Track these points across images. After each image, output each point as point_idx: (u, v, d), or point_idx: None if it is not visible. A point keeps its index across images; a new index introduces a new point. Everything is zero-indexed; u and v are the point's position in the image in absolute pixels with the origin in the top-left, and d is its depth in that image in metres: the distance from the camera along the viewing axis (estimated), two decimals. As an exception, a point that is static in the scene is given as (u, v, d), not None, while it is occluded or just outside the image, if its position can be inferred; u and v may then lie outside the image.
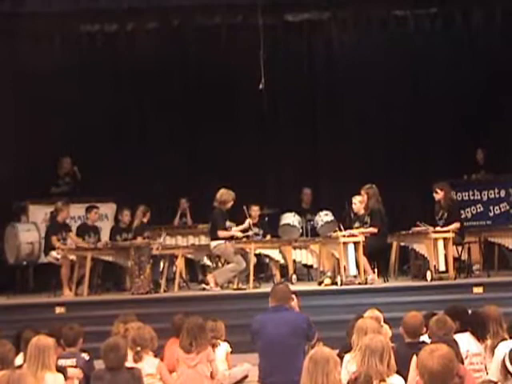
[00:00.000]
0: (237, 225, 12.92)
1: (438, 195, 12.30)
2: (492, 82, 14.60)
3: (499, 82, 14.53)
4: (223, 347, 8.51)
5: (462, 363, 6.04)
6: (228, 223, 12.81)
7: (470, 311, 7.47)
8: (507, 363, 5.25)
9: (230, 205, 12.48)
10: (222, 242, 12.27)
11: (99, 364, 6.73)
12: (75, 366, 7.03)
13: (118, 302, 11.49)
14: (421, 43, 14.95)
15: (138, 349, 6.91)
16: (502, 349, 6.48)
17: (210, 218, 12.53)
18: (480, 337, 6.97)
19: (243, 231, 12.66)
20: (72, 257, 12.34)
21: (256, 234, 13.27)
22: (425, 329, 6.81)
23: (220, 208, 12.43)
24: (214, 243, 12.35)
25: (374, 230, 12.07)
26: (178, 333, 7.97)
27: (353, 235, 11.81)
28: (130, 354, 6.81)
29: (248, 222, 12.73)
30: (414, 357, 5.81)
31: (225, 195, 12.43)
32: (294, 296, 8.21)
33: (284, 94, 15.19)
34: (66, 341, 7.40)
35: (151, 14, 14.84)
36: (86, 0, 13.47)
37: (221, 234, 12.35)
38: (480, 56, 14.70)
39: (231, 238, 12.47)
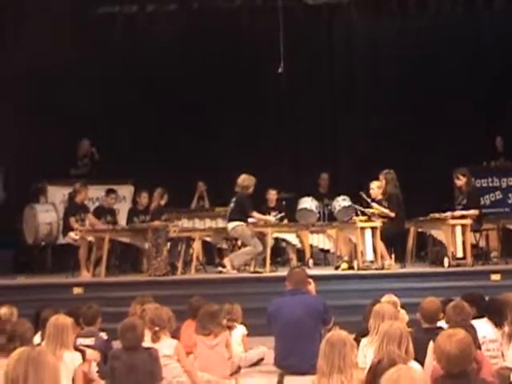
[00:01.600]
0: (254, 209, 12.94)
1: (460, 181, 12.22)
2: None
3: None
4: (239, 330, 8.54)
5: (480, 349, 6.03)
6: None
7: (487, 298, 7.45)
8: None
9: (251, 190, 12.49)
10: (240, 223, 12.25)
11: (117, 345, 6.78)
12: (93, 345, 7.08)
13: (135, 284, 11.52)
14: (441, 26, 14.81)
15: (156, 329, 6.93)
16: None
17: (234, 201, 12.48)
18: (497, 323, 6.94)
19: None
20: (90, 238, 12.37)
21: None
22: (442, 314, 6.80)
23: (244, 193, 12.43)
24: (231, 225, 12.33)
25: (390, 213, 12.02)
26: (195, 315, 8.02)
27: (370, 220, 11.78)
28: (148, 335, 6.84)
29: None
30: (431, 342, 5.81)
31: (247, 180, 12.44)
32: (310, 280, 8.23)
33: (303, 78, 15.14)
34: (85, 320, 7.48)
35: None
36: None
37: (255, 215, 12.35)
38: (502, 40, 14.56)
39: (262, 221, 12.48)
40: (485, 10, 14.71)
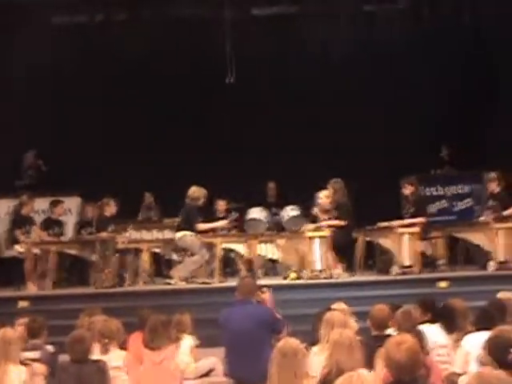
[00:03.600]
0: (203, 219, 12.90)
1: (407, 190, 12.36)
2: (459, 79, 14.72)
3: (466, 79, 14.66)
4: (188, 340, 8.47)
5: (428, 354, 6.07)
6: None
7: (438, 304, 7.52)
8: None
9: (201, 201, 12.44)
10: (188, 233, 12.20)
11: (65, 358, 6.68)
12: (39, 359, 6.98)
13: (83, 296, 11.41)
14: (389, 39, 14.94)
15: (106, 341, 6.86)
16: (468, 342, 6.55)
17: (182, 212, 12.44)
18: (449, 329, 7.02)
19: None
20: (36, 250, 12.22)
21: (222, 229, 13.24)
22: (391, 322, 6.84)
23: (192, 204, 12.38)
24: (179, 234, 12.25)
25: (341, 222, 12.08)
26: (143, 326, 7.94)
27: (319, 229, 11.82)
28: (97, 347, 6.76)
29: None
30: (380, 349, 5.84)
31: (197, 192, 12.39)
32: (266, 289, 8.23)
33: (252, 88, 15.12)
34: (30, 333, 7.37)
35: (122, 5, 14.72)
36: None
37: (200, 226, 12.28)
38: (446, 52, 14.75)
39: (210, 230, 12.44)
40: (433, 24, 14.86)
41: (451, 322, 7.10)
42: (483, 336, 6.27)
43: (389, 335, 6.37)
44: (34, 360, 6.91)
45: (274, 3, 15.04)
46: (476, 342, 6.41)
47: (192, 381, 8.22)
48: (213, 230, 12.60)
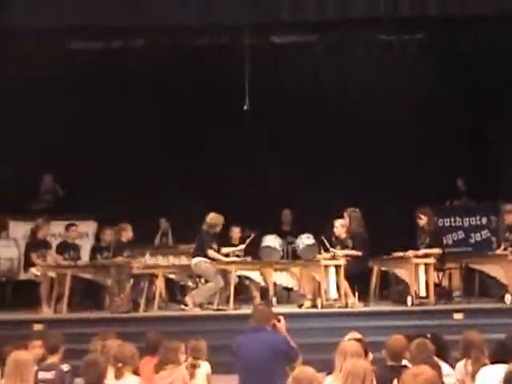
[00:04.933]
0: (218, 246, 12.92)
1: (422, 221, 12.34)
2: (475, 109, 14.72)
3: (482, 109, 14.66)
4: (204, 368, 8.43)
5: (444, 387, 6.03)
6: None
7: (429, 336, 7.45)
8: None
9: (218, 228, 12.49)
10: (203, 259, 12.21)
11: (79, 382, 6.68)
12: (53, 379, 6.99)
13: (97, 321, 11.41)
14: (407, 68, 14.97)
15: (120, 365, 6.84)
16: (483, 374, 6.50)
17: (197, 238, 12.48)
18: (444, 360, 6.99)
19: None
20: (51, 274, 12.26)
21: (237, 256, 13.25)
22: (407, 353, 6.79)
23: (208, 230, 12.40)
24: (194, 260, 12.30)
25: (357, 253, 12.06)
26: (152, 351, 7.95)
27: (334, 258, 11.80)
28: (111, 372, 6.74)
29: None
30: (395, 380, 5.80)
31: (215, 219, 12.43)
32: (281, 317, 8.19)
33: (269, 116, 15.17)
34: (48, 348, 7.42)
35: (138, 32, 14.82)
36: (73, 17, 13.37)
37: (210, 253, 12.29)
38: (463, 83, 14.76)
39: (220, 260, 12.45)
40: (449, 54, 14.86)
41: (444, 354, 7.08)
42: (499, 369, 6.24)
43: (405, 366, 6.33)
44: (49, 381, 6.93)
45: (293, 31, 15.09)
46: (492, 375, 6.37)
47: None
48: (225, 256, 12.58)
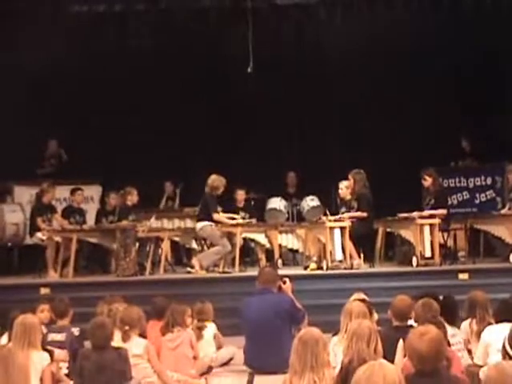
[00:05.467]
0: (223, 211, 12.94)
1: (427, 182, 12.31)
2: (478, 69, 14.63)
3: (485, 69, 14.56)
4: (211, 329, 8.49)
5: (449, 345, 6.05)
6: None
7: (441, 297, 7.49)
8: (507, 347, 5.26)
9: (220, 191, 12.46)
10: (208, 223, 12.23)
11: (86, 345, 6.73)
12: (64, 342, 7.05)
13: (104, 284, 11.46)
14: (409, 24, 14.80)
15: (127, 328, 6.89)
16: (488, 333, 6.54)
17: (201, 201, 12.50)
18: (450, 321, 7.01)
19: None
20: (57, 238, 12.27)
21: (242, 219, 13.27)
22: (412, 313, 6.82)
23: (211, 193, 12.40)
24: (199, 225, 12.31)
25: (363, 214, 12.07)
26: (159, 315, 8.01)
27: (339, 220, 11.81)
28: (118, 335, 6.79)
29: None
30: (401, 340, 5.83)
31: (217, 181, 12.41)
32: (287, 280, 8.23)
33: (272, 78, 15.10)
34: (56, 313, 7.50)
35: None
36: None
37: (215, 216, 12.30)
38: (467, 41, 14.64)
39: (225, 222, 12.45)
40: (452, 9, 14.71)
41: (452, 315, 7.11)
42: (504, 328, 6.27)
43: (410, 326, 6.36)
44: (58, 343, 6.98)
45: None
46: (496, 333, 6.40)
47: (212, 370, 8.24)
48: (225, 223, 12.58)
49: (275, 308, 7.97)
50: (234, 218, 12.78)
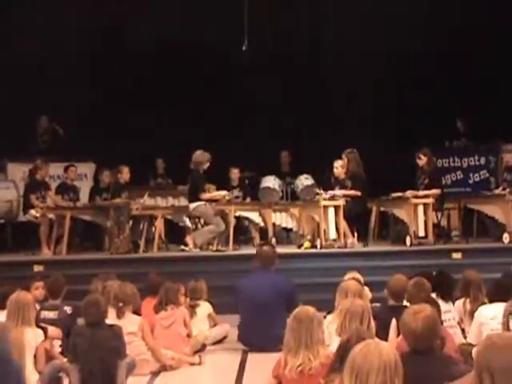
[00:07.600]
0: (217, 187, 12.90)
1: (422, 161, 12.30)
2: (476, 49, 14.59)
3: (483, 49, 14.53)
4: (204, 307, 8.50)
5: (442, 324, 6.07)
6: (208, 185, 12.73)
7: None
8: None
9: (205, 166, 12.35)
10: (202, 203, 12.19)
11: (80, 322, 6.73)
12: (57, 320, 7.04)
13: (97, 262, 11.43)
14: (400, 5, 14.74)
15: (121, 305, 6.89)
16: (482, 313, 6.55)
17: (189, 180, 12.47)
18: (446, 297, 7.04)
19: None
20: (51, 215, 12.25)
21: (236, 197, 13.24)
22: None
23: (197, 170, 12.34)
24: (192, 205, 12.27)
25: (356, 192, 12.06)
26: (153, 292, 8.01)
27: (333, 198, 11.80)
28: (112, 312, 6.79)
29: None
30: (394, 320, 5.85)
31: (200, 156, 12.32)
32: None
33: (266, 56, 15.04)
34: (50, 292, 7.49)
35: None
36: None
37: (204, 197, 12.25)
38: (462, 21, 14.59)
39: (212, 200, 12.41)
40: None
41: (448, 291, 7.14)
42: (497, 307, 6.29)
43: (405, 306, 6.36)
44: (51, 320, 6.97)
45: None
46: (490, 313, 6.42)
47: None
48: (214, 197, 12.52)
49: (274, 287, 7.99)
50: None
